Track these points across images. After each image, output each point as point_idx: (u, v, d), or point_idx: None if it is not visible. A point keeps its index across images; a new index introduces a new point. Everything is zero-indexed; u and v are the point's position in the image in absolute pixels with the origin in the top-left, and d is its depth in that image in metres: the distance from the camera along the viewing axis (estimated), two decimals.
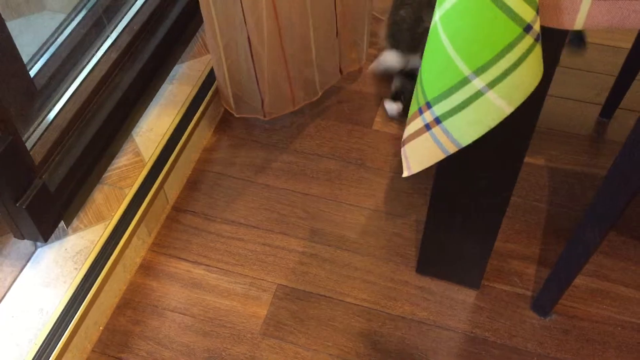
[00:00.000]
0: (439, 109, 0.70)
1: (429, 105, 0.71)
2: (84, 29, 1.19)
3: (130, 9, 1.28)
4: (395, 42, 1.36)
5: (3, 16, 0.97)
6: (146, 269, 1.16)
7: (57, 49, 1.16)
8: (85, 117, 1.14)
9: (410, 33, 1.32)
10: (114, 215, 1.11)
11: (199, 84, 1.33)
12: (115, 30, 1.25)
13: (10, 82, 1.01)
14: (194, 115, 1.29)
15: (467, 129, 0.70)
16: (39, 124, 1.08)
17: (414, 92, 0.75)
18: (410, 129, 0.77)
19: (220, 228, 1.21)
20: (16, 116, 1.04)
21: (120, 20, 1.26)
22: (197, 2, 1.15)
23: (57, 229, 1.08)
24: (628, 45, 1.24)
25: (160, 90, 1.31)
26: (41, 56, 1.14)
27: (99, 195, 1.14)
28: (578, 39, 1.36)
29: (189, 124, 1.27)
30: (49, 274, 1.03)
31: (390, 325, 1.07)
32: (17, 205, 0.97)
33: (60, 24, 1.20)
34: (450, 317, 1.07)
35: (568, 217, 1.20)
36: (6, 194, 0.95)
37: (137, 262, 1.16)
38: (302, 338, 1.06)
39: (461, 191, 0.92)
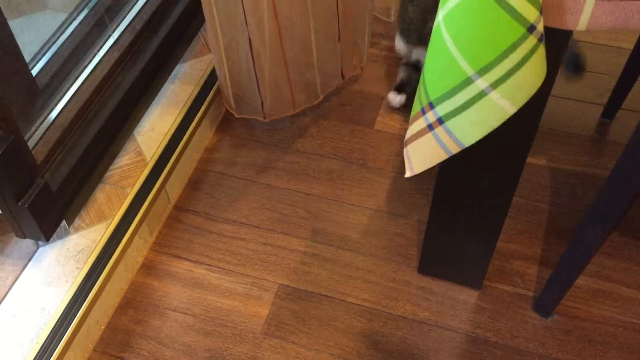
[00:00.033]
0: (441, 109, 0.70)
1: (431, 106, 0.71)
2: (86, 28, 1.19)
3: (132, 8, 1.28)
4: (404, 37, 1.38)
5: (5, 15, 0.97)
6: (148, 268, 1.16)
7: (59, 48, 1.16)
8: (87, 117, 1.14)
9: (417, 34, 1.33)
10: (115, 214, 1.11)
11: (201, 83, 1.33)
12: (118, 29, 1.25)
13: (12, 81, 1.01)
14: (196, 114, 1.29)
15: (470, 129, 0.70)
16: (40, 123, 1.08)
17: (417, 92, 0.75)
18: (412, 129, 0.77)
19: (222, 228, 1.21)
20: (18, 115, 1.04)
21: (123, 20, 1.26)
22: (199, 1, 1.15)
23: (58, 228, 1.08)
24: (630, 45, 1.24)
25: (162, 89, 1.31)
26: (43, 55, 1.14)
27: (101, 195, 1.14)
28: (574, 65, 1.35)
29: (190, 124, 1.27)
30: (51, 273, 1.03)
31: (392, 325, 1.07)
32: (19, 204, 0.97)
33: (62, 23, 1.20)
34: (451, 317, 1.07)
35: (570, 218, 1.20)
36: (8, 193, 0.95)
37: (139, 261, 1.16)
38: (303, 338, 1.06)
39: (464, 191, 0.92)
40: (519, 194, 1.23)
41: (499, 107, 0.67)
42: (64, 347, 0.97)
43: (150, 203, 1.15)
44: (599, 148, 1.31)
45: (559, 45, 0.72)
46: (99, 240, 1.07)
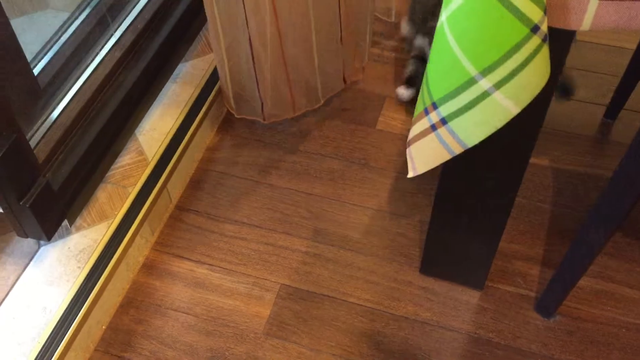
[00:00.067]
0: (445, 110, 0.70)
1: (435, 106, 0.71)
2: (87, 28, 1.19)
3: (134, 7, 1.28)
4: (410, 23, 1.42)
5: (7, 14, 0.96)
6: (149, 268, 1.15)
7: (60, 47, 1.16)
8: (88, 116, 1.14)
9: (419, 26, 1.36)
10: (117, 214, 1.11)
11: (203, 83, 1.33)
12: (119, 28, 1.24)
13: (14, 80, 1.01)
14: (197, 114, 1.29)
15: (474, 129, 0.69)
16: (42, 123, 1.08)
17: (420, 92, 0.75)
18: (415, 129, 0.77)
19: (224, 227, 1.21)
20: (20, 114, 1.03)
21: (125, 19, 1.26)
22: (201, 0, 1.15)
23: (60, 228, 1.08)
24: (633, 46, 1.24)
25: (163, 89, 1.31)
26: (45, 54, 1.14)
27: (102, 194, 1.14)
28: (564, 89, 1.35)
29: (192, 123, 1.27)
30: (52, 272, 1.03)
31: (394, 325, 1.07)
32: (21, 203, 0.96)
33: (64, 23, 1.20)
34: (453, 317, 1.07)
35: (572, 218, 1.19)
36: (10, 192, 0.95)
37: (140, 261, 1.16)
38: (305, 338, 1.06)
39: (467, 192, 0.92)
40: (521, 195, 1.23)
41: (503, 107, 0.67)
42: (65, 346, 0.97)
43: (151, 203, 1.15)
44: (601, 148, 1.31)
45: (562, 46, 0.72)
46: (101, 240, 1.07)
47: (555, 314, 1.07)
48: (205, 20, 1.40)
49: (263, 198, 1.25)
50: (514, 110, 0.67)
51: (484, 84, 0.65)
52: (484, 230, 0.98)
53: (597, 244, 0.90)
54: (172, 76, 1.34)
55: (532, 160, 1.27)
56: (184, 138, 1.24)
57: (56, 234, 1.07)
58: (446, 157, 0.75)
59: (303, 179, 1.28)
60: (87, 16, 1.21)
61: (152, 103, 1.28)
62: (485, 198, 0.92)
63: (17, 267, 1.04)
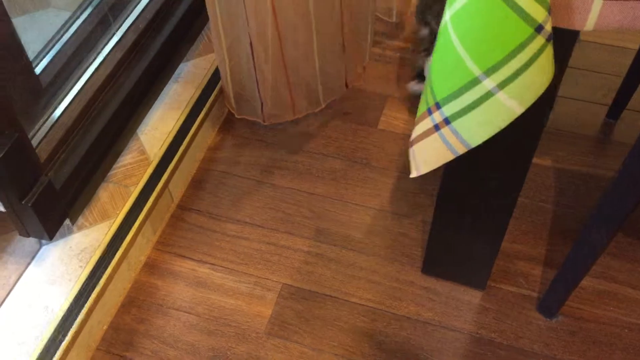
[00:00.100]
0: (448, 110, 0.70)
1: (438, 106, 0.70)
2: (89, 27, 1.19)
3: (136, 6, 1.28)
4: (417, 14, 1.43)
5: (8, 13, 0.96)
6: (151, 267, 1.15)
7: (62, 47, 1.16)
8: (90, 115, 1.14)
9: (419, 19, 1.37)
10: (119, 213, 1.11)
11: (204, 82, 1.33)
12: (121, 28, 1.24)
13: (16, 79, 1.01)
14: (199, 113, 1.29)
15: (477, 129, 0.69)
16: (44, 122, 1.08)
17: (423, 92, 0.75)
18: (418, 129, 0.76)
19: (225, 227, 1.21)
20: (22, 114, 1.03)
21: (126, 18, 1.26)
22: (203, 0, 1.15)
23: (62, 227, 1.07)
24: (636, 46, 1.24)
25: (165, 88, 1.31)
26: (47, 54, 1.14)
27: (104, 194, 1.14)
28: None
29: (194, 123, 1.27)
30: (54, 271, 1.03)
31: (396, 325, 1.07)
32: (23, 202, 0.96)
33: (66, 22, 1.20)
34: (455, 317, 1.07)
35: (574, 218, 1.19)
36: (12, 191, 0.95)
37: (142, 260, 1.16)
38: (307, 338, 1.06)
39: (470, 192, 0.92)
40: (524, 195, 1.23)
41: (506, 107, 0.67)
42: (67, 346, 0.97)
43: (153, 202, 1.15)
44: (603, 148, 1.30)
45: (566, 46, 0.72)
46: (102, 239, 1.07)
47: (557, 314, 1.07)
48: (207, 19, 1.40)
49: (265, 198, 1.25)
50: (517, 110, 0.67)
51: (488, 83, 0.65)
52: (487, 231, 0.97)
53: (600, 244, 0.90)
54: (174, 75, 1.33)
55: (534, 160, 1.28)
56: (185, 137, 1.24)
57: (58, 233, 1.07)
58: (449, 157, 0.75)
59: (305, 179, 1.27)
60: (89, 15, 1.21)
61: (153, 102, 1.28)
62: (488, 198, 0.92)
63: (19, 266, 1.04)
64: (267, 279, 1.13)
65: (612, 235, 0.88)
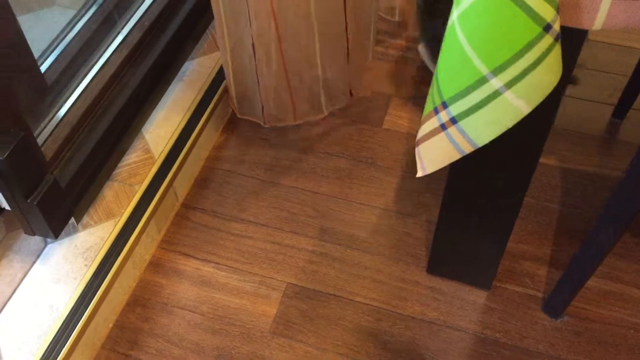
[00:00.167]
0: (455, 109, 0.69)
1: (445, 105, 0.70)
2: (94, 25, 1.19)
3: (141, 4, 1.28)
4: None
5: (13, 11, 0.96)
6: (155, 266, 1.15)
7: (67, 45, 1.15)
8: (96, 114, 1.14)
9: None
10: (123, 212, 1.11)
11: (209, 81, 1.33)
12: (126, 26, 1.24)
13: (21, 77, 1.01)
14: (204, 112, 1.28)
15: (484, 129, 0.69)
16: (50, 120, 1.08)
17: (429, 91, 0.74)
18: (425, 128, 0.76)
19: (230, 226, 1.20)
20: (27, 112, 1.03)
21: (131, 17, 1.26)
22: None
23: (67, 226, 1.07)
24: None
25: (170, 87, 1.31)
26: (52, 52, 1.14)
27: (109, 192, 1.14)
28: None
29: (198, 122, 1.27)
30: (59, 270, 1.03)
31: (401, 325, 1.06)
32: (28, 201, 0.96)
33: (71, 20, 1.20)
34: (461, 317, 1.07)
35: (580, 218, 1.19)
36: (17, 190, 0.95)
37: (147, 259, 1.16)
38: (311, 337, 1.06)
39: (477, 191, 0.92)
40: (529, 194, 1.22)
41: (514, 106, 0.66)
42: (72, 344, 0.97)
43: (158, 201, 1.15)
44: (609, 148, 1.30)
45: (574, 45, 0.71)
46: (107, 238, 1.07)
47: (563, 314, 1.06)
48: (211, 18, 1.40)
49: (269, 197, 1.25)
50: (525, 109, 0.66)
51: (495, 83, 0.65)
52: (493, 230, 0.97)
53: (607, 244, 0.89)
54: (179, 74, 1.33)
55: (539, 159, 1.27)
56: (190, 136, 1.24)
57: (63, 232, 1.07)
58: (456, 156, 0.74)
59: (309, 178, 1.27)
60: (94, 14, 1.21)
61: (158, 101, 1.28)
62: (494, 197, 0.91)
63: (24, 264, 1.04)
64: (272, 278, 1.13)
65: (619, 236, 0.88)
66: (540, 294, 1.09)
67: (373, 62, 1.47)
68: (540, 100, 0.66)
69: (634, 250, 1.14)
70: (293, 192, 1.25)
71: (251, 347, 1.04)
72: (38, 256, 1.05)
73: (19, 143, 0.91)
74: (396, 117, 1.37)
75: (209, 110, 1.29)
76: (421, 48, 1.43)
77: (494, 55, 0.63)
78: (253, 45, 1.17)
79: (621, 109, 1.33)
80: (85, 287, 1.01)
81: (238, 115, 1.36)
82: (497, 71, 0.64)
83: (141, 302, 1.11)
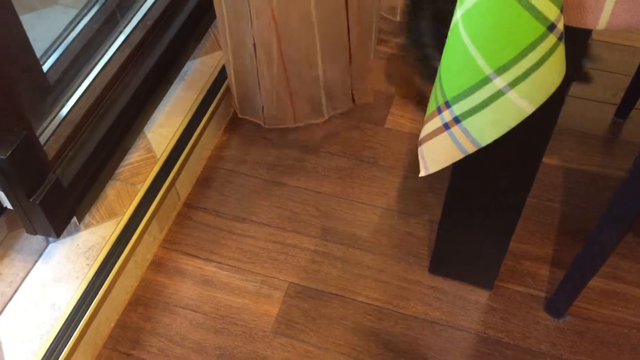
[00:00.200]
0: (458, 109, 0.69)
1: (448, 105, 0.70)
2: (97, 24, 1.19)
3: (143, 4, 1.28)
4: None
5: (16, 10, 0.96)
6: (157, 265, 1.15)
7: (70, 44, 1.15)
8: (98, 113, 1.14)
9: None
10: (125, 211, 1.11)
11: (211, 80, 1.33)
12: (129, 25, 1.24)
13: (24, 77, 1.01)
14: (206, 112, 1.28)
15: (487, 128, 0.69)
16: (52, 119, 1.08)
17: (432, 91, 0.74)
18: (427, 128, 0.76)
19: (232, 225, 1.20)
20: (30, 111, 1.03)
21: (134, 16, 1.26)
22: None
23: (69, 225, 1.07)
24: None
25: (172, 86, 1.31)
26: (54, 51, 1.14)
27: (111, 191, 1.14)
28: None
29: (200, 121, 1.27)
30: (61, 269, 1.03)
31: (403, 324, 1.06)
32: (31, 200, 0.96)
33: (73, 19, 1.20)
34: (463, 317, 1.07)
35: (582, 218, 1.19)
36: (20, 189, 0.95)
37: (149, 258, 1.16)
38: (313, 337, 1.05)
39: (480, 191, 0.92)
40: (532, 194, 1.22)
41: (517, 106, 0.66)
42: (73, 343, 0.97)
43: (160, 200, 1.15)
44: (611, 148, 1.30)
45: (577, 45, 0.71)
46: (109, 237, 1.07)
47: (565, 314, 1.06)
48: (214, 17, 1.40)
49: (271, 196, 1.25)
50: (528, 109, 0.66)
51: (499, 82, 0.65)
52: (496, 230, 0.97)
53: (610, 244, 0.89)
54: (181, 74, 1.33)
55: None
56: (192, 136, 1.24)
57: (65, 231, 1.07)
58: (459, 156, 0.74)
59: (311, 177, 1.27)
60: (96, 13, 1.21)
61: (160, 100, 1.28)
62: (497, 197, 0.91)
63: (26, 264, 1.04)
64: (274, 277, 1.13)
65: (622, 236, 0.88)
66: (543, 293, 1.09)
67: (375, 62, 1.47)
68: (544, 100, 0.66)
69: (637, 250, 1.14)
70: (295, 192, 1.25)
71: (253, 346, 1.04)
72: (40, 255, 1.05)
73: (21, 142, 0.91)
74: (398, 117, 1.37)
75: (211, 109, 1.29)
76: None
77: (498, 55, 0.63)
78: (254, 45, 1.17)
79: (624, 108, 1.33)
80: (87, 287, 1.01)
81: (239, 115, 1.36)
82: (500, 71, 0.64)
83: (143, 301, 1.11)
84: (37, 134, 1.04)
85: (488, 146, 0.70)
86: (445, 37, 0.68)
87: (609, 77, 1.42)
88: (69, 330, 0.97)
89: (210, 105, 1.29)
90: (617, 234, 0.88)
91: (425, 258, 1.14)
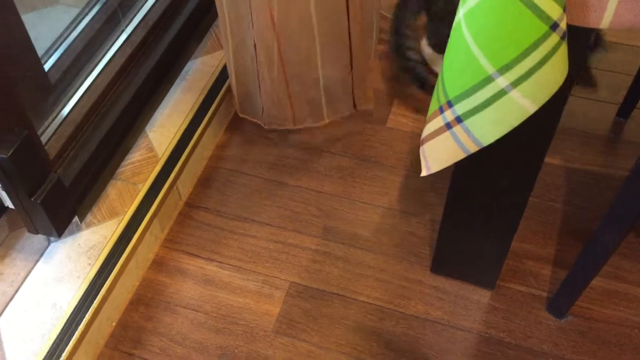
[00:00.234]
0: (460, 108, 0.69)
1: (450, 104, 0.70)
2: (98, 24, 1.19)
3: (144, 3, 1.28)
4: None
5: (17, 9, 0.96)
6: (159, 265, 1.15)
7: (71, 43, 1.15)
8: (99, 112, 1.14)
9: None
10: (127, 210, 1.11)
11: (212, 80, 1.32)
12: (130, 24, 1.24)
13: (25, 76, 1.01)
14: (207, 111, 1.28)
15: (489, 128, 0.69)
16: (53, 119, 1.08)
17: (434, 90, 0.74)
18: (429, 127, 0.76)
19: (233, 225, 1.20)
20: (31, 110, 1.03)
21: (135, 15, 1.25)
22: None
23: (70, 224, 1.07)
24: None
25: (173, 86, 1.31)
26: (55, 50, 1.14)
27: (113, 191, 1.14)
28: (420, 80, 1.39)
29: (201, 121, 1.27)
30: (62, 269, 1.03)
31: (404, 324, 1.06)
32: (32, 199, 0.96)
33: (75, 18, 1.20)
34: (464, 317, 1.07)
35: (584, 218, 1.19)
36: (21, 188, 0.95)
37: (150, 258, 1.16)
38: (315, 336, 1.05)
39: (482, 190, 0.91)
40: (533, 194, 1.22)
41: (519, 106, 0.66)
42: (75, 343, 0.97)
43: (161, 199, 1.15)
44: (613, 147, 1.30)
45: (580, 44, 0.71)
46: (111, 237, 1.07)
47: (567, 314, 1.06)
48: (215, 16, 1.40)
49: (273, 196, 1.25)
50: (530, 109, 0.66)
51: (501, 82, 0.65)
52: (498, 229, 0.97)
53: (612, 244, 0.89)
54: (182, 73, 1.33)
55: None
56: (193, 135, 1.24)
57: (66, 231, 1.07)
58: (461, 155, 0.74)
59: (313, 177, 1.27)
60: (98, 12, 1.21)
61: (161, 100, 1.28)
62: (499, 196, 0.91)
63: (27, 263, 1.04)
64: (275, 277, 1.13)
65: (624, 236, 0.87)
66: (545, 293, 1.09)
67: (376, 62, 1.47)
68: (546, 99, 0.65)
69: (639, 250, 1.13)
70: (296, 191, 1.25)
71: (254, 346, 1.04)
72: (41, 255, 1.05)
73: (22, 141, 0.91)
74: (400, 116, 1.37)
75: (212, 109, 1.29)
76: (424, 45, 1.43)
77: (500, 54, 0.63)
78: (255, 46, 1.17)
79: (626, 108, 1.33)
80: (89, 286, 1.01)
81: (240, 115, 1.36)
82: (503, 70, 0.64)
83: (144, 301, 1.10)
84: (39, 133, 1.04)
85: (490, 146, 0.70)
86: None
87: (610, 77, 1.42)
88: (71, 330, 0.97)
89: (211, 104, 1.29)
90: (619, 234, 0.88)
91: (427, 257, 1.14)
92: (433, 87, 1.39)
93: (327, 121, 1.34)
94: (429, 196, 1.23)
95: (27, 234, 1.07)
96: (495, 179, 0.89)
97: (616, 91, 1.38)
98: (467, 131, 0.70)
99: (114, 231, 1.08)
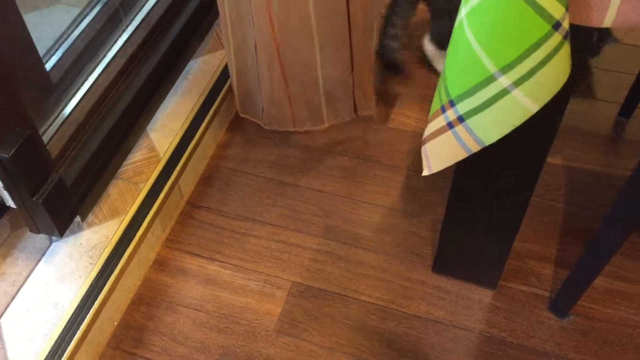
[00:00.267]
0: (462, 107, 0.69)
1: (452, 104, 0.70)
2: (99, 23, 1.19)
3: (146, 3, 1.28)
4: None
5: (19, 9, 0.96)
6: (160, 264, 1.15)
7: (72, 43, 1.15)
8: (101, 112, 1.14)
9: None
10: (128, 210, 1.11)
11: (213, 79, 1.32)
12: (132, 24, 1.24)
13: (27, 76, 1.01)
14: (208, 111, 1.28)
15: (492, 127, 0.69)
16: (55, 118, 1.08)
17: (437, 90, 0.74)
18: (431, 127, 0.76)
19: (235, 224, 1.20)
20: (33, 110, 1.03)
21: (137, 15, 1.25)
22: None
23: (72, 224, 1.07)
24: None
25: (175, 85, 1.31)
26: (57, 50, 1.14)
27: (114, 190, 1.14)
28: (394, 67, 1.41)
29: (203, 120, 1.27)
30: (64, 268, 1.03)
31: (406, 324, 1.06)
32: (34, 199, 0.96)
33: (76, 18, 1.20)
34: (466, 317, 1.06)
35: (585, 218, 1.18)
36: (23, 188, 0.95)
37: (152, 257, 1.16)
38: (316, 336, 1.05)
39: (484, 190, 0.91)
40: (535, 193, 1.21)
41: (522, 105, 0.66)
42: (77, 342, 0.97)
43: (163, 199, 1.15)
44: (615, 147, 1.29)
45: (582, 43, 0.71)
46: (112, 236, 1.07)
47: (569, 313, 1.06)
48: (216, 15, 1.40)
49: (274, 195, 1.25)
50: (532, 108, 0.66)
51: (503, 81, 0.64)
52: (499, 229, 0.97)
53: (614, 244, 0.89)
54: (183, 72, 1.33)
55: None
56: (195, 135, 1.24)
57: (68, 230, 1.07)
58: (463, 155, 0.74)
59: (314, 177, 1.27)
60: (99, 12, 1.21)
61: (163, 100, 1.28)
62: (501, 196, 0.91)
63: (29, 262, 1.04)
64: (277, 276, 1.13)
65: (626, 235, 0.87)
66: (547, 293, 1.09)
67: (377, 61, 1.46)
68: (548, 99, 0.65)
69: None
70: (298, 191, 1.25)
71: (256, 345, 1.04)
72: (43, 254, 1.05)
73: (24, 141, 0.91)
74: (402, 116, 1.37)
75: (213, 108, 1.29)
76: (426, 44, 1.43)
77: (502, 54, 0.63)
78: (255, 46, 1.17)
79: (627, 107, 1.32)
80: (90, 286, 1.01)
81: (240, 115, 1.36)
82: (505, 69, 0.64)
83: (146, 300, 1.10)
84: (40, 132, 1.04)
85: (492, 145, 0.70)
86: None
87: (612, 76, 1.41)
88: (72, 329, 0.97)
89: (212, 104, 1.29)
90: (621, 234, 0.88)
91: (429, 257, 1.14)
92: (401, 67, 1.40)
93: (327, 125, 1.34)
94: (431, 196, 1.23)
95: (28, 233, 1.07)
96: (497, 179, 0.89)
97: (618, 90, 1.38)
98: (469, 130, 0.70)
99: (116, 231, 1.08)
